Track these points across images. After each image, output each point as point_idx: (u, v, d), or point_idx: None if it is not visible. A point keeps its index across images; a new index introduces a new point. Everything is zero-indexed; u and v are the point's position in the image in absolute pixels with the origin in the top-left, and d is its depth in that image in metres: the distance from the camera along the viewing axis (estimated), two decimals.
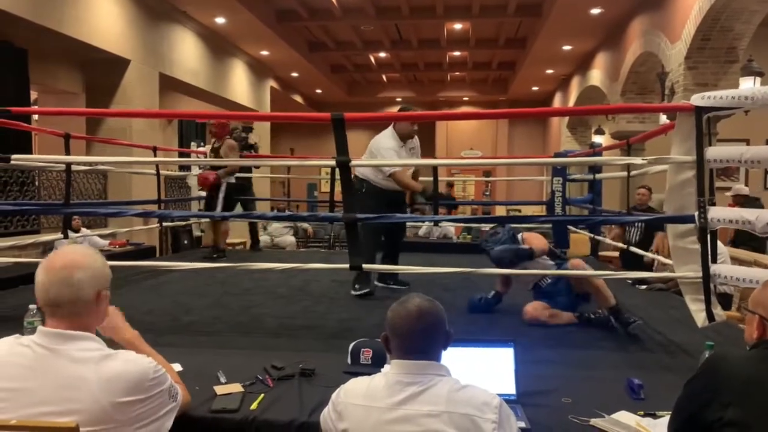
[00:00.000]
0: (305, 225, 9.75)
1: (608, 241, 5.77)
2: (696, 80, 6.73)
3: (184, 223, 8.24)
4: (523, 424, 1.89)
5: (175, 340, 2.93)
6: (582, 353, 2.86)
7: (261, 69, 12.79)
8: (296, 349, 2.79)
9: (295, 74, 14.04)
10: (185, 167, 9.23)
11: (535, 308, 3.43)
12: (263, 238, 9.65)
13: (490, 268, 3.49)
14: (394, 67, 14.98)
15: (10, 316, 3.28)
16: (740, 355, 1.58)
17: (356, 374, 1.68)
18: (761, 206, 6.65)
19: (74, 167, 4.78)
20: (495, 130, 17.19)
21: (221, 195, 5.77)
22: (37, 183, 6.90)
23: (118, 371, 1.46)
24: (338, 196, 4.57)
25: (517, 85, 14.86)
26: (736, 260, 5.99)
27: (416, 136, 4.43)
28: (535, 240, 3.66)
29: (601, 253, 6.89)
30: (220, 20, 9.77)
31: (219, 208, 5.76)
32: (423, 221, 7.39)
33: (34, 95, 8.54)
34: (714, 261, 2.78)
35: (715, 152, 2.71)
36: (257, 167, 8.03)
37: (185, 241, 8.79)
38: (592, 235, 6.26)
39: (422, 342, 1.54)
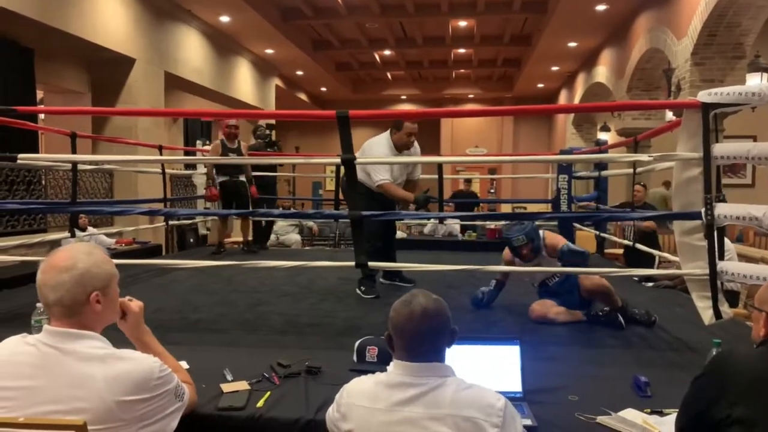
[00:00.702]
0: (310, 223, 9.76)
1: (614, 238, 5.75)
2: (703, 76, 6.70)
3: (189, 221, 8.27)
4: (529, 422, 1.89)
5: (183, 337, 2.93)
6: (588, 351, 2.85)
7: (266, 67, 12.80)
8: (302, 347, 2.80)
9: (300, 72, 14.05)
10: (191, 166, 9.26)
11: (542, 305, 3.40)
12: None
13: (496, 266, 3.47)
14: (399, 64, 14.97)
15: (18, 314, 3.30)
16: (747, 353, 1.57)
17: (362, 372, 1.68)
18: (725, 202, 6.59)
19: (80, 166, 4.80)
20: (500, 127, 17.17)
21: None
22: (43, 182, 6.93)
23: (124, 370, 1.47)
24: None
25: (523, 82, 14.82)
26: (743, 257, 5.98)
27: (416, 144, 4.29)
28: (557, 239, 3.56)
29: (607, 251, 6.86)
30: (224, 19, 9.79)
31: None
32: (428, 218, 7.38)
33: (40, 94, 8.58)
34: (721, 258, 2.76)
35: (721, 149, 2.70)
36: (281, 165, 8.03)
37: (191, 240, 8.81)
38: (597, 233, 6.24)
39: (426, 344, 1.51)
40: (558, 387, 2.22)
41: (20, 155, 3.74)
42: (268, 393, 2.12)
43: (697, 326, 2.97)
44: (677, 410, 1.59)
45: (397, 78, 16.72)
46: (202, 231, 9.23)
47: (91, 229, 6.70)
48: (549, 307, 3.38)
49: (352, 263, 3.24)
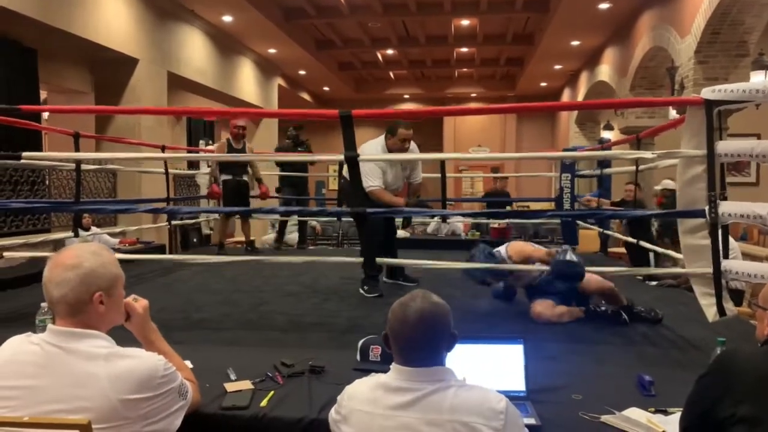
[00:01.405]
0: (313, 222, 9.76)
1: (617, 236, 5.74)
2: (706, 74, 6.67)
3: (192, 221, 8.29)
4: (533, 421, 1.89)
5: (187, 337, 2.94)
6: (592, 349, 2.84)
7: (268, 67, 12.80)
8: (306, 346, 2.80)
9: (302, 72, 14.05)
10: (194, 166, 9.27)
11: (544, 306, 3.35)
12: (272, 236, 9.68)
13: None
14: (401, 63, 14.96)
15: (23, 313, 3.31)
16: (752, 352, 1.57)
17: (366, 371, 1.68)
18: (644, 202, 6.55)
19: (84, 166, 4.81)
20: (503, 126, 17.14)
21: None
22: (47, 182, 6.95)
23: (128, 368, 1.47)
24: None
25: (525, 81, 14.79)
26: (747, 255, 5.96)
27: (415, 147, 4.26)
28: (519, 246, 3.54)
29: (610, 249, 6.86)
30: (227, 18, 9.79)
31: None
32: (432, 215, 7.36)
33: (43, 95, 8.59)
34: (725, 256, 2.76)
35: (725, 146, 2.69)
36: (312, 164, 8.04)
37: (194, 239, 8.83)
38: (601, 230, 6.23)
39: (422, 349, 1.49)
40: (562, 386, 2.21)
41: (24, 153, 3.75)
42: (272, 392, 2.12)
43: (701, 325, 2.96)
44: (682, 409, 1.59)
45: (399, 77, 16.71)
46: (206, 231, 9.24)
47: (94, 229, 6.72)
48: (550, 308, 3.34)
49: (360, 259, 3.24)
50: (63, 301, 1.50)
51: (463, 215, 7.96)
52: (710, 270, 2.72)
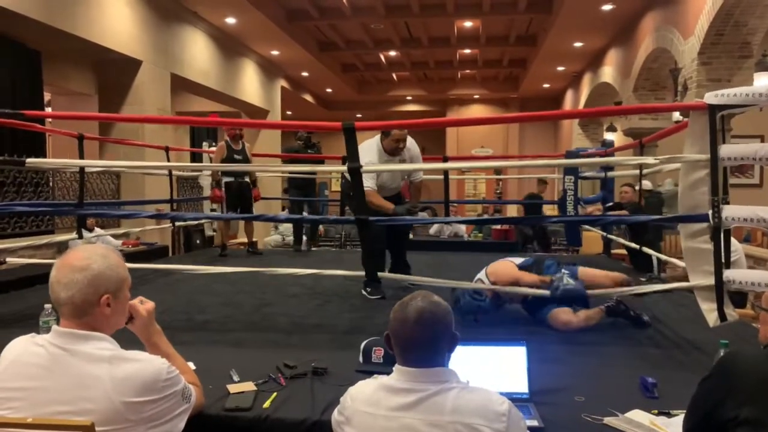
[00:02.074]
0: None
1: (620, 240, 5.73)
2: (709, 76, 6.67)
3: (196, 222, 8.31)
4: (536, 423, 1.89)
5: (189, 338, 2.94)
6: (595, 351, 2.84)
7: (271, 69, 12.83)
8: (308, 348, 2.80)
9: (305, 74, 14.07)
10: (197, 163, 9.32)
11: (568, 314, 3.17)
12: (275, 237, 9.70)
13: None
14: (404, 65, 14.97)
15: (26, 315, 3.32)
16: (755, 354, 1.56)
17: (368, 373, 1.68)
18: (662, 201, 6.52)
19: (88, 168, 4.82)
20: (506, 127, 17.14)
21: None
22: (51, 184, 6.97)
23: (132, 371, 1.47)
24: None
25: (528, 82, 14.79)
26: (750, 257, 5.95)
27: (415, 145, 4.22)
28: (500, 272, 3.34)
29: (613, 251, 6.85)
30: (230, 20, 9.82)
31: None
32: (433, 222, 7.37)
33: (47, 96, 8.64)
34: (728, 260, 2.74)
35: (729, 150, 2.68)
36: (322, 162, 8.04)
37: (197, 241, 8.84)
38: (604, 234, 6.23)
39: (421, 349, 1.48)
40: (564, 388, 2.21)
41: (28, 160, 3.77)
42: (275, 394, 2.12)
43: (704, 327, 2.95)
44: (685, 411, 1.59)
45: (402, 79, 16.72)
46: (209, 232, 9.26)
47: (98, 230, 6.75)
48: (574, 315, 3.18)
49: (362, 273, 3.23)
50: (70, 303, 1.50)
51: (463, 222, 7.94)
52: (712, 282, 2.68)
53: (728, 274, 2.68)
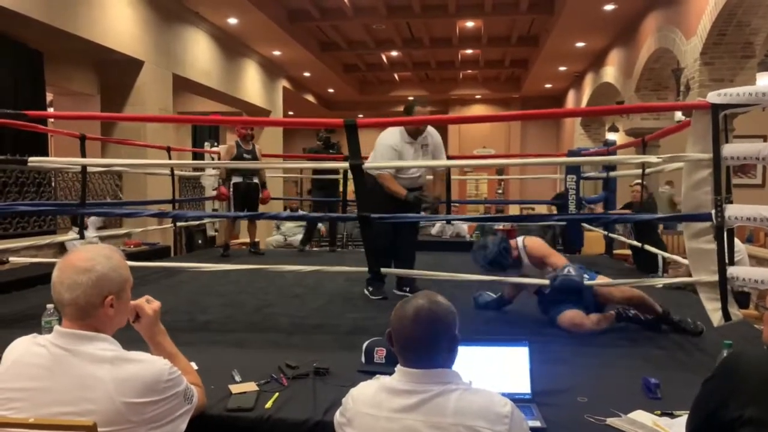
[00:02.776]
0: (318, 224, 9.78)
1: (623, 239, 5.72)
2: (712, 76, 6.66)
3: (197, 222, 8.31)
4: (538, 424, 1.89)
5: (191, 339, 2.94)
6: (597, 352, 2.84)
7: (273, 69, 12.83)
8: (310, 348, 2.80)
9: (307, 74, 14.08)
10: (199, 167, 9.31)
11: (580, 316, 3.16)
12: (276, 237, 9.70)
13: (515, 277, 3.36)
14: (406, 65, 14.97)
15: (28, 315, 3.33)
16: (758, 354, 1.56)
17: (370, 373, 1.68)
18: (654, 203, 6.51)
19: (90, 168, 4.82)
20: (508, 127, 17.15)
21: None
22: (53, 184, 6.97)
23: (134, 372, 1.47)
24: (351, 195, 4.49)
25: (530, 82, 14.78)
26: (753, 257, 5.94)
27: (435, 133, 4.18)
28: (541, 249, 3.38)
29: (615, 252, 6.84)
30: (232, 21, 9.83)
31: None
32: (436, 221, 7.36)
33: (49, 96, 8.64)
34: (731, 259, 2.74)
35: (731, 150, 2.68)
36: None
37: (199, 241, 8.85)
38: (606, 233, 6.21)
39: (421, 348, 1.47)
40: (567, 388, 2.21)
41: (30, 159, 3.77)
42: (277, 394, 2.12)
43: (707, 327, 2.95)
44: (688, 412, 1.58)
45: (404, 79, 16.72)
46: (211, 232, 9.26)
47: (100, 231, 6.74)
48: (586, 318, 3.17)
49: (365, 269, 3.24)
50: (73, 304, 1.49)
51: (467, 220, 7.94)
52: (716, 279, 2.69)
53: (732, 270, 2.68)
